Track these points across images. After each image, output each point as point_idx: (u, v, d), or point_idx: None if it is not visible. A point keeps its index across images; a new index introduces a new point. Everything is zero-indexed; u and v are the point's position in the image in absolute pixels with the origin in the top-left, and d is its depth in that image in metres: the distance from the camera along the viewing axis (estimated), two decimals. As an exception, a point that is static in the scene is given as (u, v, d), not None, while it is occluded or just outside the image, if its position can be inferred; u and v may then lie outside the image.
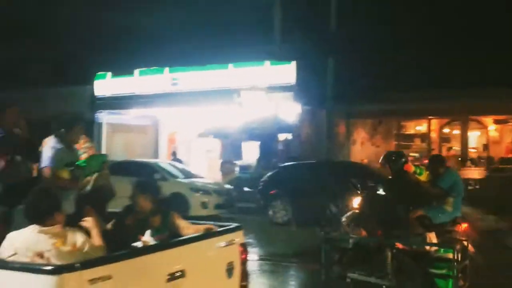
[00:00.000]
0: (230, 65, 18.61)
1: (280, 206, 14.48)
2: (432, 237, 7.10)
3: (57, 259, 3.68)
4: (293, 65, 17.54)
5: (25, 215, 3.93)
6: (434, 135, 21.77)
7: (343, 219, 7.72)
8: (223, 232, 4.70)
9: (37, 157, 5.37)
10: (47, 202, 3.94)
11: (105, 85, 21.07)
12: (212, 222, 4.95)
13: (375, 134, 22.24)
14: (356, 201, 7.99)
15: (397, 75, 18.12)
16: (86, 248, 3.84)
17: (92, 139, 20.04)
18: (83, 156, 5.44)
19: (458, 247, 6.72)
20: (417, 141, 22.02)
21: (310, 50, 18.12)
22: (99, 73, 21.11)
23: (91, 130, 20.27)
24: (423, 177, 7.62)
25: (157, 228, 4.69)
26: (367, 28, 18.08)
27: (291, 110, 18.45)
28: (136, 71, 20.54)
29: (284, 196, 14.52)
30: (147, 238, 4.55)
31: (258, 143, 19.29)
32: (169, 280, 3.89)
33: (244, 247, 4.78)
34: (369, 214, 7.38)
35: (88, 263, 3.42)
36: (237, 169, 19.85)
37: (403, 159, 7.58)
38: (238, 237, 4.75)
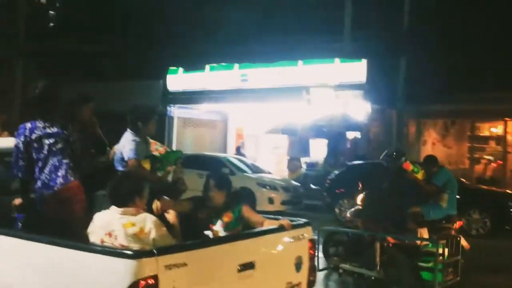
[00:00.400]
0: (300, 62, 18.63)
1: (347, 205, 14.39)
2: (424, 232, 7.51)
3: (122, 240, 3.86)
4: (363, 63, 17.35)
5: (108, 197, 4.16)
6: (510, 137, 20.95)
7: (348, 214, 8.24)
8: (293, 227, 4.77)
9: (105, 150, 5.63)
10: (127, 186, 4.14)
11: (177, 80, 21.57)
12: (281, 217, 5.03)
13: (447, 135, 21.63)
14: (360, 197, 8.55)
15: (472, 75, 17.57)
16: (153, 235, 3.95)
17: (163, 132, 20.84)
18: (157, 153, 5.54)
19: (445, 242, 7.16)
20: (492, 144, 21.25)
21: (381, 48, 17.86)
22: (172, 68, 21.64)
23: (163, 123, 20.86)
24: (419, 175, 7.98)
25: (229, 223, 4.81)
26: (441, 26, 17.63)
27: (360, 109, 18.27)
28: (207, 67, 20.91)
29: (351, 195, 14.42)
30: (218, 227, 4.69)
31: (326, 140, 19.22)
32: (240, 270, 4.01)
33: (313, 242, 4.85)
34: (368, 210, 7.95)
35: (164, 250, 3.59)
36: (304, 166, 19.86)
37: (404, 158, 8.03)
38: (307, 232, 4.83)
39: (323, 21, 18.55)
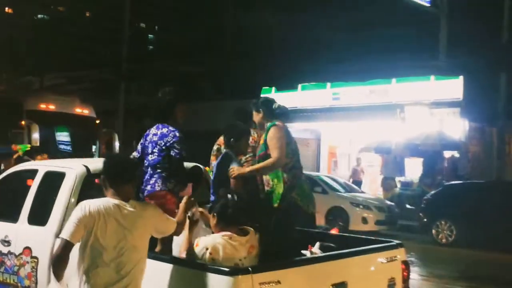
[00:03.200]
0: (393, 80, 18.42)
1: (445, 226, 13.99)
2: None
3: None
4: (460, 80, 16.88)
5: (223, 220, 4.23)
6: None
7: None
8: (386, 248, 4.80)
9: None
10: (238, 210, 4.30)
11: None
12: (372, 238, 5.04)
13: (553, 153, 20.46)
14: None
15: None
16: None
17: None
18: (245, 165, 5.55)
19: None
20: None
21: (479, 64, 17.31)
22: (265, 87, 22.07)
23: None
24: None
25: None
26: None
27: (457, 127, 17.74)
28: (299, 86, 21.13)
29: (449, 215, 14.02)
30: (316, 250, 4.79)
31: (422, 159, 18.77)
32: (332, 290, 4.10)
33: (406, 264, 4.84)
34: None
35: (259, 268, 3.77)
36: (398, 185, 19.49)
37: None
38: (400, 254, 4.83)
39: (418, 38, 18.28)
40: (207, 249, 4.00)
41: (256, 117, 5.44)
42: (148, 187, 4.77)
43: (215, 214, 4.27)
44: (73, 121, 17.66)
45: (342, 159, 22.56)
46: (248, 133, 5.58)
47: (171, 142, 4.75)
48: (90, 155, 17.06)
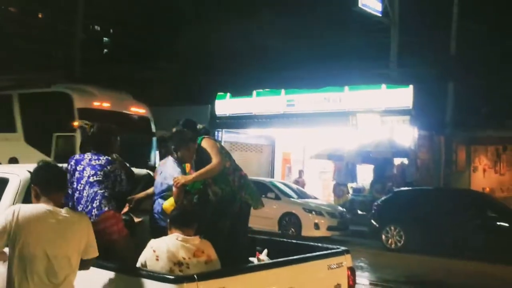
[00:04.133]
0: (346, 88, 18.72)
1: (394, 232, 14.25)
2: None
3: (193, 269, 3.98)
4: (410, 89, 17.30)
5: (173, 222, 4.26)
6: None
7: None
8: (332, 255, 4.85)
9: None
10: (192, 213, 4.36)
11: (225, 105, 21.96)
12: (319, 244, 5.10)
13: (499, 161, 21.18)
14: None
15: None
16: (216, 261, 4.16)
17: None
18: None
19: None
20: (546, 170, 20.69)
21: (428, 74, 17.77)
22: (220, 93, 22.07)
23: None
24: None
25: None
26: (490, 50, 17.42)
27: (407, 135, 18.14)
28: (254, 92, 21.22)
29: (398, 221, 14.29)
30: (264, 257, 4.81)
31: (373, 166, 19.11)
32: (278, 297, 4.11)
33: (352, 270, 4.89)
34: None
35: (205, 275, 3.74)
36: (350, 191, 19.78)
37: None
38: (346, 260, 4.88)
39: (370, 48, 18.63)
40: (151, 247, 4.07)
41: (185, 151, 5.33)
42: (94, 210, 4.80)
43: (169, 219, 4.34)
44: (129, 123, 14.70)
45: (295, 165, 22.75)
46: (194, 141, 5.51)
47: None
48: (148, 164, 14.17)
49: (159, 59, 27.54)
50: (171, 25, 28.57)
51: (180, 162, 5.49)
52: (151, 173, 6.08)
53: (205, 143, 5.25)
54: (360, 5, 17.63)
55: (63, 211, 3.53)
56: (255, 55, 22.16)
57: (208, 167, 5.10)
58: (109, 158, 5.02)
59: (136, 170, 6.45)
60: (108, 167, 4.94)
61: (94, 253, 3.67)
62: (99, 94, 14.89)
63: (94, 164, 4.92)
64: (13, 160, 13.42)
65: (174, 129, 5.50)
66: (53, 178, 3.62)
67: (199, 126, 5.70)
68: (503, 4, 18.72)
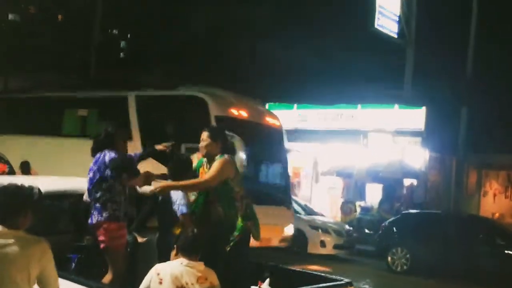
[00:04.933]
0: (359, 106, 18.68)
1: (401, 254, 14.13)
2: None
3: None
4: (423, 110, 17.23)
5: (180, 248, 4.30)
6: None
7: None
8: (335, 287, 4.80)
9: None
10: (199, 240, 4.37)
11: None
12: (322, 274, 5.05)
13: (510, 186, 20.98)
14: None
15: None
16: None
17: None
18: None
19: None
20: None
21: (441, 96, 17.68)
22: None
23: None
24: None
25: None
26: (505, 74, 17.31)
27: (418, 156, 18.04)
28: (266, 105, 21.16)
29: (405, 243, 14.17)
30: (266, 286, 4.76)
31: (382, 185, 19.01)
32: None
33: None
34: None
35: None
36: (358, 209, 19.68)
37: None
38: (349, 292, 4.83)
39: (385, 67, 18.58)
40: (156, 270, 4.13)
41: (211, 145, 5.29)
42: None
43: (175, 245, 4.37)
44: (265, 136, 12.42)
45: (305, 180, 22.66)
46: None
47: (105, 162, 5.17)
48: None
49: (174, 65, 27.63)
50: (189, 31, 28.61)
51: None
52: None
53: (217, 162, 5.12)
54: (376, 25, 17.59)
55: (14, 233, 3.26)
56: (267, 66, 22.17)
57: (195, 181, 5.13)
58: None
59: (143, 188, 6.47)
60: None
61: (53, 284, 3.35)
62: (235, 101, 12.49)
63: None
64: (25, 165, 11.89)
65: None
66: (4, 202, 3.31)
67: (229, 142, 5.56)
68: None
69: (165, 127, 12.12)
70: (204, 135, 5.30)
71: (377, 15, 17.47)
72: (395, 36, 18.03)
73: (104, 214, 5.02)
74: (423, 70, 18.28)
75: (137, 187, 5.71)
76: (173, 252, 4.35)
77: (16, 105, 15.95)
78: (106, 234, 4.99)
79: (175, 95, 12.98)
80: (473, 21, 16.95)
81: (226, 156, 5.22)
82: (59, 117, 14.69)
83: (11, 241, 3.22)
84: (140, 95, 13.37)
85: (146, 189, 5.45)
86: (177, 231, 4.96)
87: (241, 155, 10.02)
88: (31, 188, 3.53)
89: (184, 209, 5.14)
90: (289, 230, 12.67)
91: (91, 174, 5.20)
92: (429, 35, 18.39)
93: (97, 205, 5.06)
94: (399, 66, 18.21)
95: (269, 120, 12.97)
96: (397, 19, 17.85)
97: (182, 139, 10.54)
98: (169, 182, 5.12)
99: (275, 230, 11.61)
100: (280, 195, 12.80)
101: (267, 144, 12.17)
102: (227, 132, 8.78)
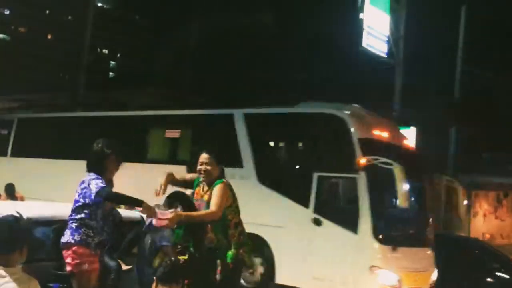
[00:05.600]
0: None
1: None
2: None
3: None
4: (412, 130, 17.23)
5: (161, 279, 4.17)
6: None
7: None
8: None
9: None
10: (180, 269, 4.37)
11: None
12: None
13: (500, 206, 21.00)
14: None
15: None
16: None
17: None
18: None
19: None
20: (547, 217, 20.50)
21: (431, 116, 17.73)
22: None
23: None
24: None
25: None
26: (493, 99, 17.44)
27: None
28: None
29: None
30: None
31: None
32: None
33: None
34: None
35: None
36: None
37: None
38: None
39: (373, 87, 18.63)
40: None
41: (214, 170, 5.20)
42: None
43: (155, 277, 4.27)
44: (410, 161, 9.58)
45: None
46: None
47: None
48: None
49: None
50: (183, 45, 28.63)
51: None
52: (144, 216, 5.66)
53: (218, 189, 5.04)
54: (365, 45, 17.66)
55: (12, 270, 3.09)
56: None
57: (203, 213, 4.97)
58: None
59: (127, 214, 6.38)
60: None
61: None
62: (374, 120, 10.37)
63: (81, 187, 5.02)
64: (10, 187, 10.71)
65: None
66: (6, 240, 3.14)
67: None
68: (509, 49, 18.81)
69: (289, 152, 10.79)
70: (205, 157, 5.15)
71: (365, 35, 17.53)
72: (384, 56, 18.10)
73: (76, 237, 4.86)
74: (412, 90, 18.33)
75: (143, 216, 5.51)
76: (153, 285, 4.21)
77: (81, 125, 13.84)
78: (74, 258, 4.82)
79: (298, 113, 10.63)
80: (460, 42, 17.10)
81: (225, 180, 5.17)
82: (142, 140, 12.38)
83: (13, 278, 3.05)
84: (251, 114, 11.08)
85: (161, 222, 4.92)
86: (156, 262, 4.88)
87: (403, 186, 8.57)
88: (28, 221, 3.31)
89: (164, 241, 5.03)
90: (434, 276, 9.94)
91: (76, 197, 5.01)
92: (417, 55, 18.48)
93: (72, 225, 4.90)
94: (389, 85, 18.27)
95: (406, 142, 10.99)
96: (386, 39, 17.92)
97: (314, 166, 9.57)
98: (179, 213, 4.84)
99: (423, 277, 9.53)
100: (424, 233, 10.26)
101: (410, 171, 9.22)
102: (383, 159, 8.49)
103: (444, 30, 18.39)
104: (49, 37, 36.96)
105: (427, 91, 18.41)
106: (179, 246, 5.00)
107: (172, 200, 5.04)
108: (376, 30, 17.79)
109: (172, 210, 4.78)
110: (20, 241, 3.16)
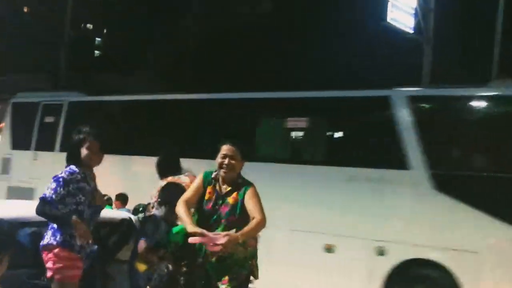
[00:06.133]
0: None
1: None
2: None
3: None
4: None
5: None
6: None
7: None
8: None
9: None
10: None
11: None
12: None
13: None
14: None
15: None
16: None
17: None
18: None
19: None
20: None
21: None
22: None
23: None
24: None
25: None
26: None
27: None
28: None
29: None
30: None
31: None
32: None
33: None
34: None
35: None
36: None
37: None
38: None
39: (401, 65, 16.99)
40: None
41: (239, 166, 4.68)
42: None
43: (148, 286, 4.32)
44: None
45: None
46: None
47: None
48: None
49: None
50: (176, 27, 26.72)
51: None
52: (132, 217, 5.43)
53: (254, 194, 4.56)
54: (389, 19, 15.88)
55: None
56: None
57: (255, 224, 4.39)
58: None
59: (112, 214, 6.07)
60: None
61: None
62: None
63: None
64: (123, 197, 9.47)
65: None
66: None
67: None
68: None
69: (483, 147, 7.83)
70: (230, 149, 4.63)
71: (389, 8, 15.81)
72: (411, 31, 16.35)
73: (58, 238, 4.55)
74: (442, 70, 16.71)
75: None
76: None
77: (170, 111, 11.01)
78: (55, 262, 4.53)
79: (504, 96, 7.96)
80: (499, 16, 15.46)
81: (253, 184, 4.73)
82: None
83: None
84: (420, 96, 8.94)
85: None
86: (141, 266, 4.69)
87: None
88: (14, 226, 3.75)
89: (149, 241, 4.78)
90: None
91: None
92: (448, 31, 16.87)
93: (53, 225, 4.62)
94: (415, 66, 16.57)
95: None
96: (413, 12, 16.18)
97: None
98: (234, 236, 4.21)
99: None
100: None
101: None
102: None
103: (480, 1, 16.76)
104: (25, 10, 34.20)
105: (460, 72, 16.73)
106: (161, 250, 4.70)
107: (166, 195, 4.96)
108: (402, 2, 16.18)
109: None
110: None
